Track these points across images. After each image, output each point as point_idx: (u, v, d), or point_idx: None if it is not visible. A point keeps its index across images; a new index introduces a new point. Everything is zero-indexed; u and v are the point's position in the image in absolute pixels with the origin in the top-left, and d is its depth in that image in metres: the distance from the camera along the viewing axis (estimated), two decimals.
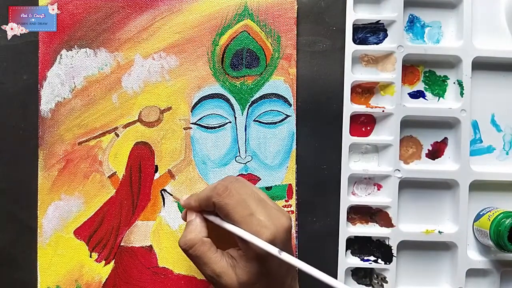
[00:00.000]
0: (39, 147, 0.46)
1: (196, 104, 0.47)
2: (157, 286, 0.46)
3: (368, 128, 0.49)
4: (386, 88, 0.48)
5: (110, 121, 0.47)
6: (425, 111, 0.47)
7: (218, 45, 0.47)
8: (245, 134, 0.47)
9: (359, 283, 0.48)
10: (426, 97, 0.49)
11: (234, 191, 0.36)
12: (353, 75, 0.47)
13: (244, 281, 0.35)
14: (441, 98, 0.49)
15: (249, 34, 0.47)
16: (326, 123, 0.47)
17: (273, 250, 0.33)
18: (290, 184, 0.47)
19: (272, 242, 0.34)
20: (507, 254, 0.47)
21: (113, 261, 0.46)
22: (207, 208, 0.38)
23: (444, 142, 0.49)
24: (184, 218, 0.40)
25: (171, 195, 0.47)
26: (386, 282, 0.47)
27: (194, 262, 0.37)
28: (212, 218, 0.38)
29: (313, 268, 0.32)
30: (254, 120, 0.47)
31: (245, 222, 0.35)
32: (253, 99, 0.47)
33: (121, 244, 0.47)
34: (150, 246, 0.47)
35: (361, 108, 0.47)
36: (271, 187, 0.47)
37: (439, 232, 0.47)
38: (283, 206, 0.47)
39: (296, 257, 0.46)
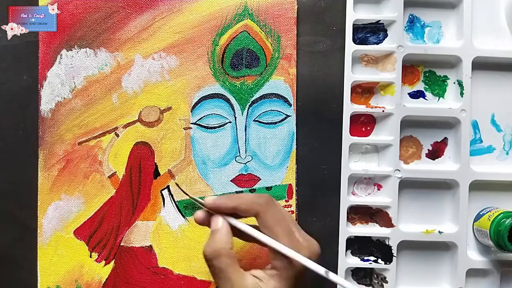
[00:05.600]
0: (39, 147, 0.46)
1: (196, 104, 0.47)
2: (157, 286, 0.46)
3: (368, 128, 0.49)
4: (386, 88, 0.48)
5: (110, 121, 0.47)
6: (425, 111, 0.47)
7: (218, 45, 0.47)
8: (245, 134, 0.47)
9: (359, 283, 0.48)
10: (426, 97, 0.49)
11: (278, 205, 0.35)
12: (353, 75, 0.47)
13: None
14: (441, 98, 0.49)
15: (249, 34, 0.47)
16: (326, 123, 0.47)
17: (320, 270, 0.32)
18: (290, 184, 0.47)
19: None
20: (507, 254, 0.47)
21: (113, 261, 0.46)
22: (243, 213, 0.35)
23: (444, 142, 0.49)
24: (201, 222, 0.37)
25: (187, 194, 0.41)
26: (386, 282, 0.47)
27: (214, 274, 0.35)
28: (248, 229, 0.35)
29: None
30: (254, 120, 0.47)
31: (286, 238, 0.33)
32: (253, 99, 0.47)
33: (121, 244, 0.47)
34: (150, 246, 0.47)
35: (361, 108, 0.47)
36: (271, 187, 0.47)
37: (439, 232, 0.47)
38: (283, 206, 0.47)
39: None
